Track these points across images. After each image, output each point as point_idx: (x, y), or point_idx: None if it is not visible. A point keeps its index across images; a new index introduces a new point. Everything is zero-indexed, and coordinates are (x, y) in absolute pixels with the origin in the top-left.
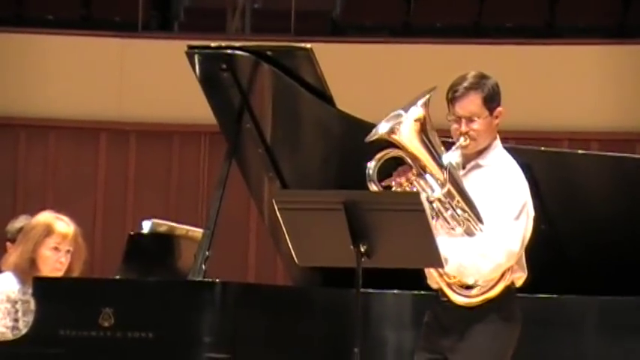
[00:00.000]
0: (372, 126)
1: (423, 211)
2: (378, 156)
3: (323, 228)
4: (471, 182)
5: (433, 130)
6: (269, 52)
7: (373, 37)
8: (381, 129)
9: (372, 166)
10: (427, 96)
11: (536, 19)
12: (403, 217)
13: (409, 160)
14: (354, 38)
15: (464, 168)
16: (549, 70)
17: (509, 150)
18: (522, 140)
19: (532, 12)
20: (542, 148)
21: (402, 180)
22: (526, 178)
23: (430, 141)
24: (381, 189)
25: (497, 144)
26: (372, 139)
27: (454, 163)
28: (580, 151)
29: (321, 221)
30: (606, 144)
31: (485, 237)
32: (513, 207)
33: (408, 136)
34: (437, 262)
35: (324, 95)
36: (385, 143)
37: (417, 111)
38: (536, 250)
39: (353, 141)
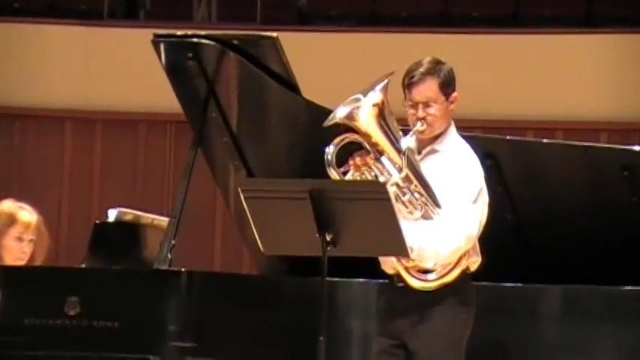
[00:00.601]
0: None
1: (389, 199)
2: (337, 141)
3: (289, 217)
4: (427, 167)
5: (391, 115)
6: (235, 41)
7: (339, 26)
8: (339, 113)
9: (330, 151)
10: (385, 81)
11: (502, 9)
12: (369, 206)
13: (367, 145)
14: (320, 27)
15: (419, 153)
16: (515, 59)
17: (475, 139)
18: (488, 129)
19: (498, 1)
20: (508, 137)
21: (360, 164)
22: (492, 167)
23: (388, 126)
24: (340, 174)
25: (453, 129)
26: (329, 124)
27: (411, 147)
28: (545, 140)
29: (287, 210)
30: (571, 133)
31: (443, 220)
32: (470, 191)
33: (366, 120)
34: (403, 250)
35: (290, 84)
36: (344, 128)
37: (376, 96)
38: (502, 239)
39: (319, 129)
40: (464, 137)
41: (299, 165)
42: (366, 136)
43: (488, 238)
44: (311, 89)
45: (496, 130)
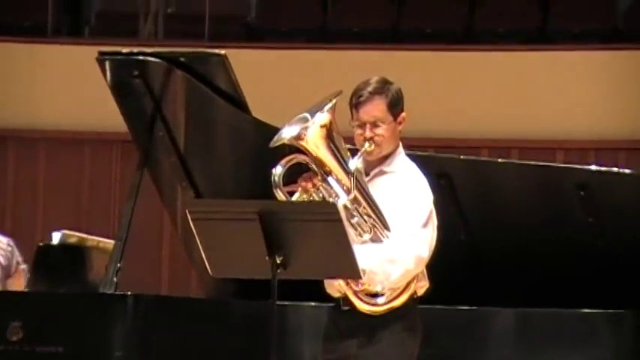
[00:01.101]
0: None
1: (340, 221)
2: (284, 162)
3: (237, 238)
4: (375, 189)
5: (339, 135)
6: (182, 58)
7: (290, 42)
8: (286, 133)
9: (277, 172)
10: (333, 100)
11: (455, 24)
12: (320, 228)
13: (315, 166)
14: (270, 43)
15: (367, 175)
16: (468, 76)
17: (428, 158)
18: (442, 148)
19: (451, 16)
20: (462, 157)
21: (308, 186)
22: (445, 186)
23: (336, 147)
24: (287, 195)
25: (401, 150)
26: (276, 144)
27: (359, 168)
28: (500, 160)
29: (236, 232)
30: (527, 152)
31: (393, 243)
32: (420, 214)
33: (314, 141)
34: (355, 273)
35: (238, 102)
36: (291, 148)
37: (323, 116)
38: (455, 260)
39: (268, 149)
40: (416, 157)
41: (248, 185)
42: (314, 157)
43: (442, 260)
44: (260, 107)
45: (450, 149)
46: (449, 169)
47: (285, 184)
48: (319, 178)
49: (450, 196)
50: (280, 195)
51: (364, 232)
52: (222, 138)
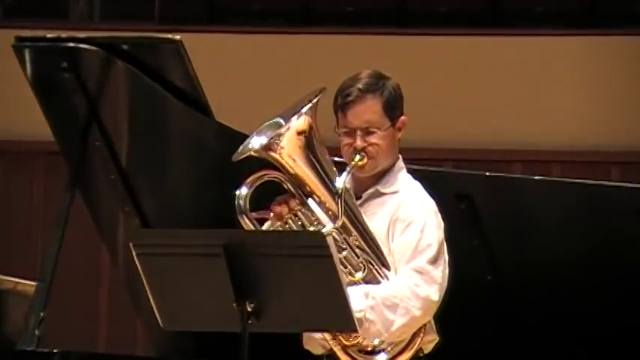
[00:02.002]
0: None
1: (331, 256)
2: (250, 180)
3: (197, 280)
4: (370, 215)
5: (322, 145)
6: (125, 46)
7: (264, 26)
8: (254, 144)
9: (242, 194)
10: (314, 100)
11: (478, 3)
12: (304, 266)
13: (291, 186)
14: (238, 27)
15: (359, 197)
16: (496, 66)
17: (442, 176)
18: (461, 162)
19: None
20: (487, 174)
21: (283, 211)
22: (466, 212)
23: (318, 159)
24: (256, 224)
25: (401, 165)
26: (241, 157)
27: (348, 188)
28: (537, 177)
29: (195, 271)
30: (570, 167)
31: (394, 285)
32: (429, 246)
33: (289, 153)
34: (349, 324)
35: (197, 102)
36: (260, 163)
37: (301, 121)
38: (477, 309)
39: (236, 162)
40: (429, 173)
41: (211, 210)
42: (290, 174)
43: (458, 306)
44: (227, 108)
45: (472, 163)
46: (471, 190)
47: (255, 208)
48: (297, 200)
49: (472, 224)
50: (247, 223)
51: (356, 269)
52: (176, 149)
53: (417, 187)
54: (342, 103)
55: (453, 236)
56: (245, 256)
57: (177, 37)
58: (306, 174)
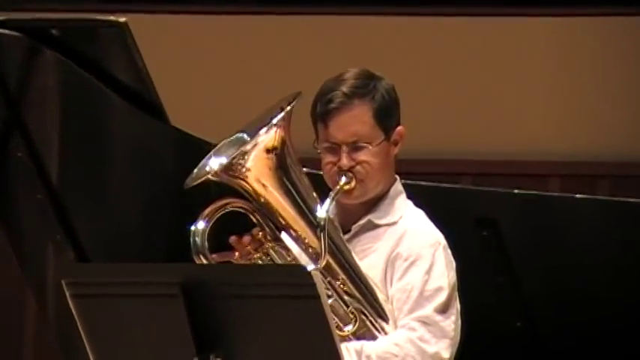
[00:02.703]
0: None
1: (318, 297)
2: (209, 212)
3: (147, 328)
4: (360, 253)
5: (298, 165)
6: (55, 31)
7: (229, 6)
8: (212, 165)
9: (199, 229)
10: (287, 108)
11: None
12: (284, 309)
13: (259, 217)
14: (198, 7)
15: (347, 231)
16: (523, 54)
17: (458, 195)
18: (484, 177)
19: None
20: (516, 191)
21: (250, 250)
22: (489, 241)
23: (293, 183)
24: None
25: (399, 189)
26: (196, 183)
27: (332, 219)
28: (579, 196)
29: (145, 316)
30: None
31: (394, 339)
32: (438, 293)
33: (257, 176)
34: None
35: (148, 101)
36: (220, 189)
37: (271, 134)
38: None
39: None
40: (442, 191)
41: (165, 239)
42: (258, 202)
43: None
44: (184, 108)
45: (496, 178)
46: (496, 212)
47: (216, 246)
48: (268, 236)
49: (497, 256)
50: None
51: (344, 322)
52: (121, 161)
53: (420, 215)
54: (323, 111)
55: (473, 272)
56: (208, 298)
57: (122, 19)
58: (279, 202)
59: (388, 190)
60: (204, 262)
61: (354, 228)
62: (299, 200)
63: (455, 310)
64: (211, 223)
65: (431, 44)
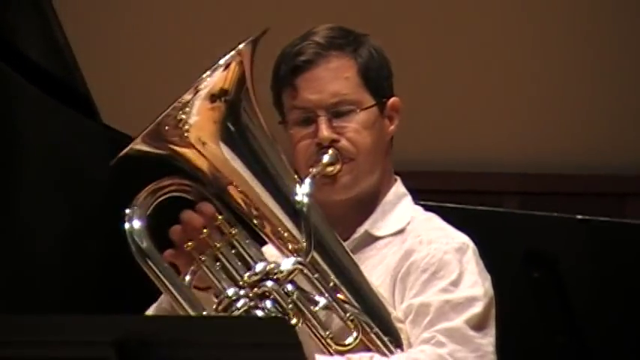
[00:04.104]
0: None
1: (301, 354)
2: (142, 199)
3: None
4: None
5: (263, 129)
6: None
7: None
8: (140, 136)
9: (136, 228)
10: (242, 45)
11: None
12: None
13: (212, 200)
14: None
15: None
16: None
17: (501, 220)
18: (535, 198)
19: None
20: (580, 217)
21: (208, 240)
22: (543, 287)
23: (258, 149)
24: (169, 275)
25: (402, 190)
26: (121, 156)
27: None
28: None
29: None
30: None
31: (414, 354)
32: (470, 304)
33: (201, 136)
34: None
35: (69, 87)
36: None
37: (218, 76)
38: None
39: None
40: (470, 218)
41: (93, 277)
42: (207, 177)
43: None
44: (122, 102)
45: (551, 198)
46: (552, 245)
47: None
48: (224, 220)
49: (554, 306)
50: (157, 274)
51: (342, 334)
52: (32, 172)
53: (434, 218)
54: (291, 67)
55: (520, 330)
56: None
57: None
58: (240, 176)
59: (384, 192)
60: (154, 267)
61: (348, 245)
62: (269, 175)
63: (493, 332)
64: (148, 212)
65: None
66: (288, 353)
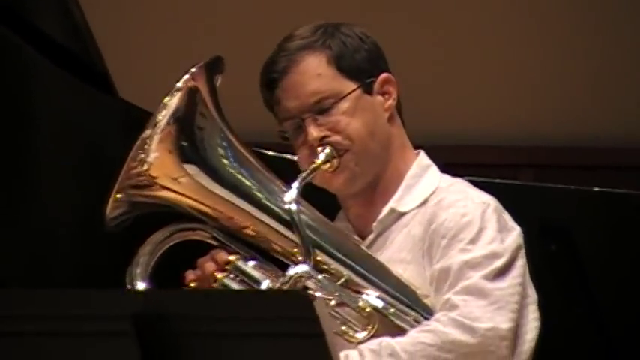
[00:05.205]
0: None
1: (322, 335)
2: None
3: None
4: (390, 253)
5: (233, 143)
6: None
7: None
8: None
9: (138, 275)
10: (194, 68)
11: None
12: (276, 352)
13: (215, 235)
14: None
15: (361, 237)
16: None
17: (518, 193)
18: (550, 170)
19: None
20: (596, 189)
21: (210, 269)
22: (560, 257)
23: (234, 163)
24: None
25: (426, 162)
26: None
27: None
28: None
29: None
30: None
31: (428, 326)
32: (490, 260)
33: (169, 170)
34: None
35: (88, 67)
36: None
37: (174, 101)
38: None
39: None
40: (486, 191)
41: (109, 254)
42: (195, 213)
43: None
44: (140, 78)
45: (568, 172)
46: (568, 218)
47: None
48: (225, 252)
49: (570, 278)
50: None
51: (356, 326)
52: (50, 148)
53: (461, 182)
54: (268, 81)
55: (538, 301)
56: (170, 335)
57: None
58: (218, 198)
59: (407, 165)
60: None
61: (376, 226)
62: (249, 189)
63: (519, 278)
64: (149, 272)
65: None
66: (305, 327)
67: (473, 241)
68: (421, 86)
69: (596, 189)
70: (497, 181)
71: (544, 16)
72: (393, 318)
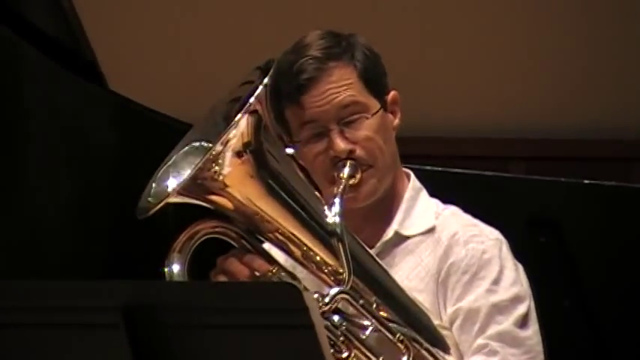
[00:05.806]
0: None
1: (312, 327)
2: (180, 245)
3: None
4: (403, 284)
5: (285, 157)
6: None
7: None
8: (170, 185)
9: (175, 272)
10: (260, 85)
11: None
12: (266, 344)
13: (246, 239)
14: None
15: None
16: None
17: (507, 186)
18: (541, 162)
19: None
20: (586, 182)
21: (245, 272)
22: (549, 248)
23: (286, 185)
24: None
25: (418, 185)
26: (153, 211)
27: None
28: None
29: (74, 355)
30: None
31: None
32: (516, 304)
33: (235, 184)
34: None
35: (77, 58)
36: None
37: (241, 127)
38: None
39: (147, 163)
40: (476, 184)
41: (98, 245)
42: (242, 218)
43: None
44: (129, 70)
45: (558, 163)
46: (558, 210)
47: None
48: (267, 265)
49: (559, 270)
50: None
51: (394, 355)
52: (40, 139)
53: (459, 212)
54: (294, 87)
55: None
56: (161, 329)
57: None
58: (271, 209)
59: (402, 187)
60: None
61: (378, 247)
62: (299, 204)
63: (537, 326)
64: (188, 257)
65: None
66: (295, 318)
67: (496, 281)
68: (411, 79)
69: (585, 181)
70: (487, 173)
71: (534, 8)
72: (425, 353)
